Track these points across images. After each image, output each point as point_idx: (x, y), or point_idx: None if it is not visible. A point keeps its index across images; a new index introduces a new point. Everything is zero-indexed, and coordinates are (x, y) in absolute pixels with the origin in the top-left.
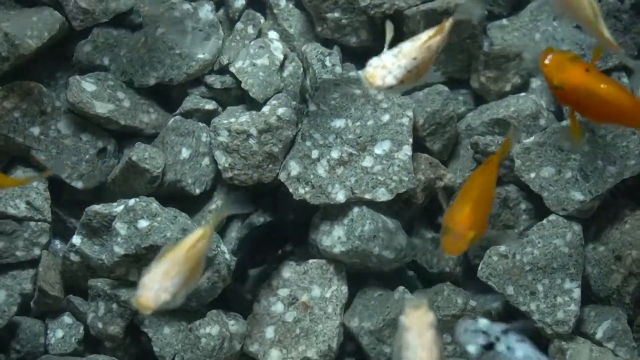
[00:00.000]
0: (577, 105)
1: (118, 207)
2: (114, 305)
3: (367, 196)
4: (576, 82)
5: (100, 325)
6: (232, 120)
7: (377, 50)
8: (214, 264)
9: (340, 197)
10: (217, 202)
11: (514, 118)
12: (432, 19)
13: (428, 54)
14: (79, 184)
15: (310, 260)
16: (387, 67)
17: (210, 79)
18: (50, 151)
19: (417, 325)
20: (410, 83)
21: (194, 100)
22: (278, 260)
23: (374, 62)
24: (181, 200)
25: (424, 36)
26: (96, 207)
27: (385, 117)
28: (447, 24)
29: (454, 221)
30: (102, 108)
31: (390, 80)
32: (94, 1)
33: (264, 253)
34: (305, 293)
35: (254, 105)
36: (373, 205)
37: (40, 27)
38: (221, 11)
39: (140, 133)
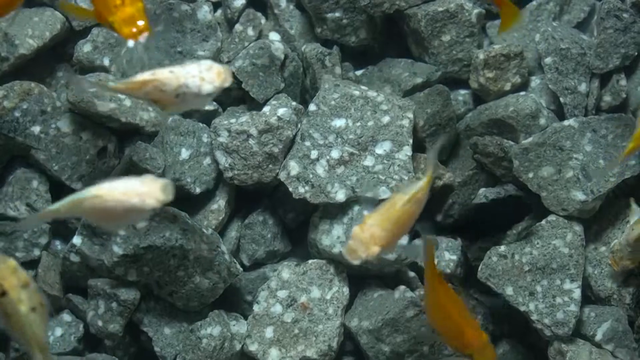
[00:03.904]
0: None
1: None
2: (114, 304)
3: (369, 194)
4: None
5: (100, 323)
6: (232, 120)
7: (377, 51)
8: (214, 265)
9: (341, 196)
10: (218, 202)
11: (512, 118)
12: (433, 19)
13: (411, 214)
14: (79, 186)
15: (310, 261)
16: (372, 236)
17: None
18: (50, 150)
19: None
20: (395, 245)
21: None
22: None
23: (356, 235)
24: (182, 199)
25: (405, 196)
26: None
27: (386, 119)
28: (426, 181)
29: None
30: (103, 107)
31: (375, 250)
32: None
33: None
34: (304, 294)
35: (254, 105)
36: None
37: (41, 27)
38: (219, 12)
39: (141, 131)
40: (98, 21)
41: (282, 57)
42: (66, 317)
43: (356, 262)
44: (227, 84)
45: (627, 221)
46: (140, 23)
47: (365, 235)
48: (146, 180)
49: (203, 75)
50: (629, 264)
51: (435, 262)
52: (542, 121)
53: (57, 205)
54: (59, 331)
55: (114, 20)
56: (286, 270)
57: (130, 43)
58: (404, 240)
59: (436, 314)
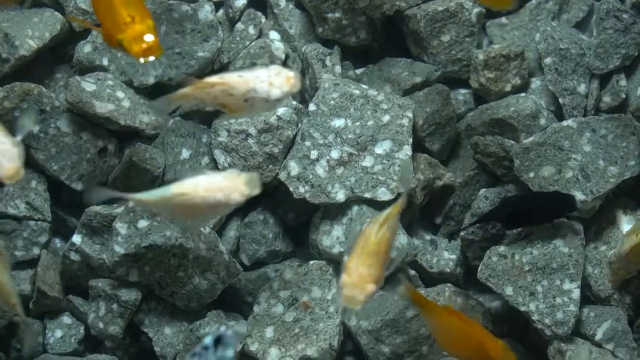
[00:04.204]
0: None
1: (118, 208)
2: (115, 306)
3: (367, 195)
4: None
5: (101, 325)
6: (232, 120)
7: (377, 51)
8: (213, 265)
9: (340, 196)
10: None
11: (513, 118)
12: (433, 19)
13: (387, 240)
14: (79, 186)
15: (311, 262)
16: (361, 277)
17: None
18: (50, 150)
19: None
20: (384, 274)
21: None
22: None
23: (346, 282)
24: None
25: (375, 226)
26: (96, 208)
27: (386, 118)
28: (395, 208)
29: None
30: (101, 108)
31: (371, 287)
32: None
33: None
34: (306, 294)
35: None
36: (373, 204)
37: (41, 28)
38: (221, 11)
39: (141, 134)
40: (105, 40)
41: (283, 56)
42: (66, 319)
43: (359, 307)
44: (295, 89)
45: (619, 229)
46: (150, 39)
47: (354, 280)
48: (230, 174)
49: (272, 80)
50: (624, 274)
51: (435, 259)
52: (542, 122)
53: (145, 196)
54: (59, 333)
55: (123, 37)
56: (288, 271)
57: (141, 60)
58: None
59: (450, 340)
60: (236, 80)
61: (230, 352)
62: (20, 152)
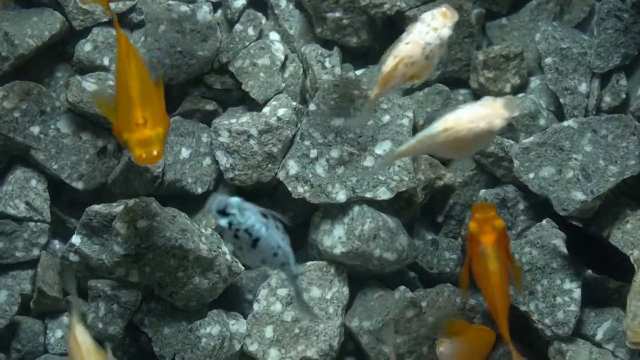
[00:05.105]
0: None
1: (118, 207)
2: (115, 306)
3: (368, 195)
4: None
5: (100, 325)
6: (233, 120)
7: (378, 52)
8: (214, 265)
9: (341, 196)
10: None
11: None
12: None
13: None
14: (79, 185)
15: (309, 262)
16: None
17: (211, 79)
18: (50, 150)
19: None
20: None
21: (194, 100)
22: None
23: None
24: (182, 200)
25: None
26: (96, 207)
27: (386, 118)
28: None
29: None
30: None
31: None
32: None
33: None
34: (305, 293)
35: (254, 105)
36: (374, 204)
37: (41, 27)
38: (219, 12)
39: None
40: (114, 133)
41: (283, 57)
42: (66, 319)
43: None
44: (457, 17)
45: (627, 220)
46: (153, 152)
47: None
48: (486, 102)
49: (433, 25)
50: None
51: (435, 260)
52: (542, 122)
53: (408, 144)
54: (59, 333)
55: (129, 138)
56: None
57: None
58: None
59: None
60: (408, 47)
61: (247, 214)
62: None
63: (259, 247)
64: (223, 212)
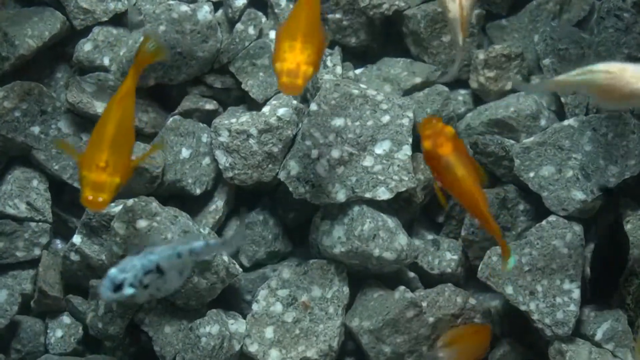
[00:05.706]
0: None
1: (117, 207)
2: (114, 305)
3: (368, 195)
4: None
5: (100, 325)
6: (233, 120)
7: (376, 51)
8: (212, 266)
9: (341, 196)
10: (217, 203)
11: (513, 118)
12: (433, 19)
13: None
14: None
15: (311, 261)
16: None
17: (210, 78)
18: (51, 151)
19: None
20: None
21: (194, 99)
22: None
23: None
24: (182, 200)
25: None
26: None
27: (386, 118)
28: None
29: None
30: (102, 108)
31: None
32: (94, 1)
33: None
34: (305, 293)
35: (254, 105)
36: (373, 204)
37: (41, 27)
38: (221, 11)
39: (140, 132)
40: (77, 165)
41: None
42: (66, 319)
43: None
44: None
45: (627, 220)
46: (100, 200)
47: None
48: None
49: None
50: None
51: (436, 261)
52: (543, 122)
53: (565, 76)
54: (59, 333)
55: (85, 176)
56: (286, 270)
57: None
58: None
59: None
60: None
61: (129, 267)
62: None
63: (165, 267)
64: (119, 286)
